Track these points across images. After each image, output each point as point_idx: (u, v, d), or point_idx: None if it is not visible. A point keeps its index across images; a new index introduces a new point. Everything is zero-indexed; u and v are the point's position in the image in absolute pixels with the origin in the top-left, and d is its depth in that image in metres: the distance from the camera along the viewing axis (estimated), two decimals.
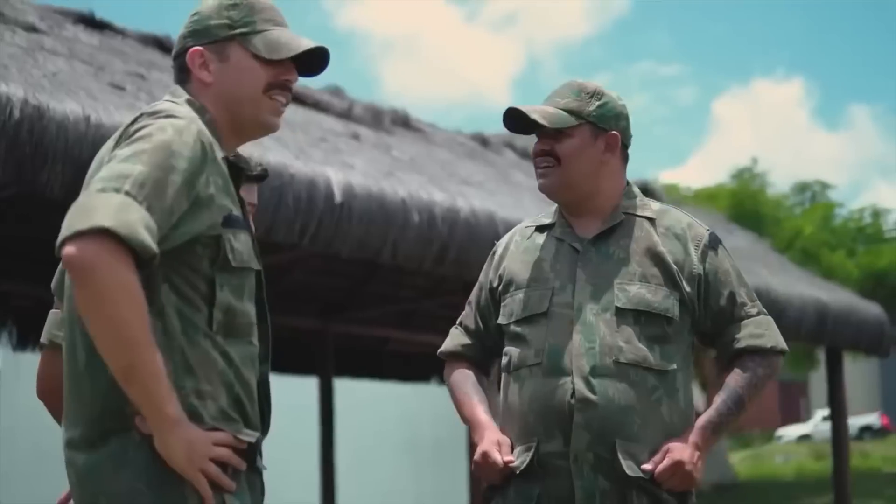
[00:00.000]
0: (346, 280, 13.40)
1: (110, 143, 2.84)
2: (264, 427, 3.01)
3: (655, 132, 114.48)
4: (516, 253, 3.85)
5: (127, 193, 2.59)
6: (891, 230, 39.96)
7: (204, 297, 2.79)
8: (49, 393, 3.47)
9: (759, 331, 3.71)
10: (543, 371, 3.62)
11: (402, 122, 12.72)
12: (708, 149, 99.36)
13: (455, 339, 4.00)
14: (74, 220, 2.56)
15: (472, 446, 9.65)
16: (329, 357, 14.71)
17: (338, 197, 8.15)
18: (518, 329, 3.72)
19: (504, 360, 3.78)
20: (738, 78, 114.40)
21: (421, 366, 16.52)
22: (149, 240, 2.56)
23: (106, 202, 2.57)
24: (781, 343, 3.73)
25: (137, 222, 2.56)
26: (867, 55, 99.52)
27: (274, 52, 2.99)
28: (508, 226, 9.57)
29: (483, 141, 14.50)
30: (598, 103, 3.74)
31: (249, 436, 2.84)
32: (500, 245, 3.95)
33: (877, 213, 39.97)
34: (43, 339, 3.48)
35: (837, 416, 15.85)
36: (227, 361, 2.81)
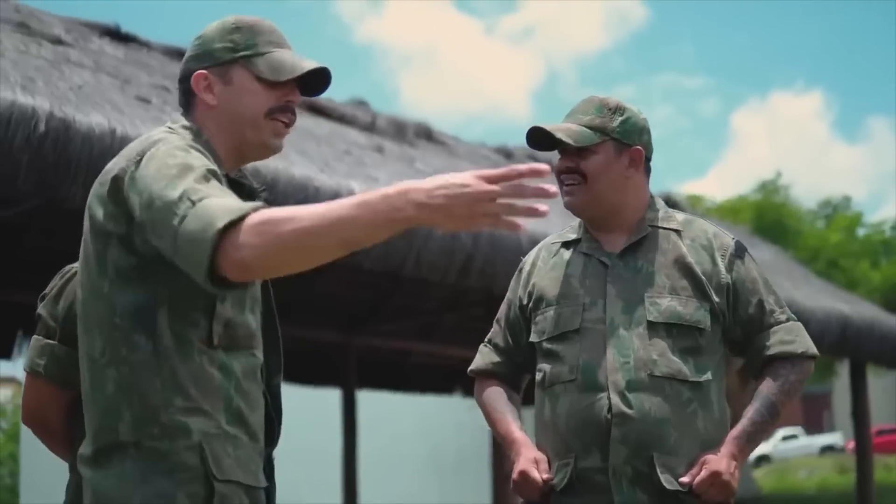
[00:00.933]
0: (370, 292, 13.40)
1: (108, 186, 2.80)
2: (274, 438, 3.04)
3: (678, 144, 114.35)
4: (544, 269, 3.86)
5: (199, 201, 2.58)
6: None
7: (204, 310, 2.81)
8: (36, 420, 3.47)
9: (790, 337, 3.71)
10: (578, 387, 3.62)
11: (426, 134, 12.73)
12: (728, 161, 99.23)
13: (485, 356, 4.00)
14: (198, 248, 2.53)
15: (495, 459, 9.65)
16: (352, 369, 14.71)
17: None
18: (551, 346, 3.73)
19: (538, 376, 3.78)
20: (757, 90, 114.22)
21: (444, 378, 16.52)
22: (247, 207, 2.54)
23: (196, 217, 2.55)
24: (812, 348, 3.74)
25: (227, 203, 2.56)
26: (886, 67, 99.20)
27: (277, 73, 3.01)
28: (532, 238, 9.57)
29: (507, 153, 14.49)
30: (620, 119, 3.75)
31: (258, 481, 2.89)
32: (527, 262, 3.95)
33: None
34: (26, 366, 3.44)
35: (861, 429, 15.79)
36: (226, 375, 2.83)
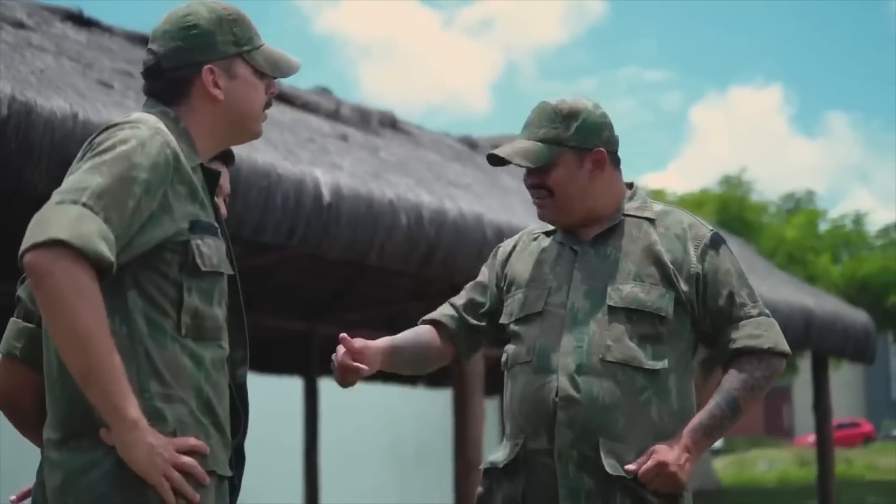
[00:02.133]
0: (333, 281, 13.38)
1: (80, 153, 2.89)
2: (242, 430, 3.06)
3: (638, 137, 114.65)
4: (521, 255, 3.88)
5: (84, 205, 2.65)
6: (874, 237, 40.09)
7: (172, 301, 2.83)
8: (8, 403, 3.45)
9: (758, 331, 3.64)
10: (533, 369, 3.63)
11: (390, 123, 12.70)
12: (687, 154, 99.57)
13: (441, 309, 4.01)
14: (33, 232, 2.63)
15: (457, 450, 9.63)
16: (314, 358, 14.69)
17: (326, 197, 8.12)
18: (516, 328, 3.74)
19: (503, 357, 3.79)
20: (717, 84, 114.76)
21: None
22: (105, 250, 2.63)
23: (63, 214, 2.63)
24: (781, 344, 3.67)
25: (93, 233, 2.62)
26: (845, 63, 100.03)
27: (276, 69, 3.13)
28: (496, 228, 9.57)
29: (471, 143, 14.48)
30: (576, 125, 3.72)
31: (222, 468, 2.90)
32: (505, 245, 3.98)
33: (858, 219, 40.09)
34: (1, 349, 3.44)
35: (823, 423, 15.86)
36: (197, 364, 2.84)
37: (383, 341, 3.80)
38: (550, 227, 3.88)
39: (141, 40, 10.46)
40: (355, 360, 3.65)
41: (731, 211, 36.37)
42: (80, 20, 10.02)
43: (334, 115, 11.57)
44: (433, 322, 3.98)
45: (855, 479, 30.69)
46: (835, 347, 15.47)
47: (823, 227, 39.94)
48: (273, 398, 15.48)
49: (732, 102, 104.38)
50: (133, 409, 2.65)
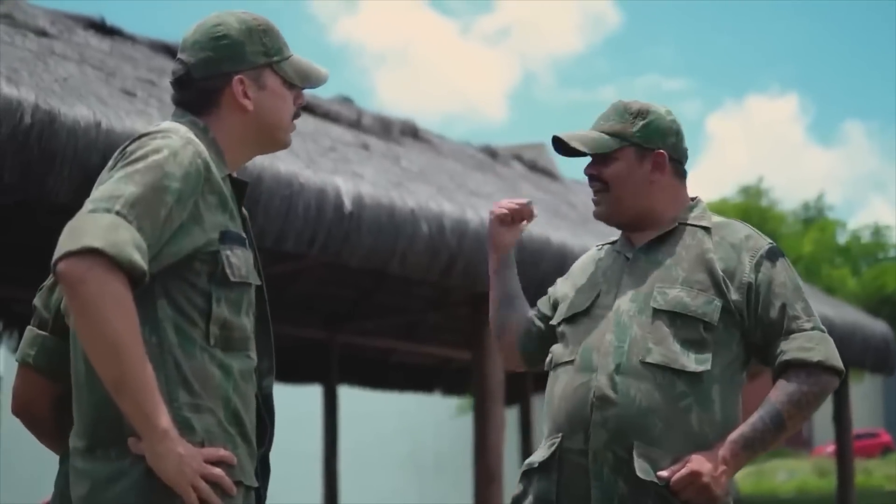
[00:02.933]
0: (353, 290, 13.39)
1: (111, 162, 2.88)
2: (268, 441, 3.04)
3: None
4: (581, 265, 3.92)
5: (118, 213, 2.66)
6: (893, 246, 40.02)
7: (201, 311, 2.83)
8: (24, 410, 3.46)
9: (810, 344, 3.52)
10: (575, 368, 3.59)
11: (411, 132, 12.71)
12: (704, 164, 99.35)
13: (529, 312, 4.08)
14: (66, 241, 2.63)
15: (477, 457, 9.62)
16: (334, 366, 14.71)
17: (348, 206, 8.13)
18: (563, 328, 3.75)
19: (548, 358, 3.79)
20: (734, 93, 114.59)
21: (425, 376, 16.52)
22: (138, 259, 2.64)
23: (96, 223, 2.64)
24: (833, 360, 3.53)
25: (127, 242, 2.63)
26: (862, 71, 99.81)
27: (305, 79, 3.14)
28: (521, 240, 9.56)
29: (491, 153, 14.49)
30: (642, 123, 3.72)
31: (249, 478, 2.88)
32: (576, 262, 4.02)
33: (878, 230, 40.00)
34: (17, 356, 3.45)
35: (842, 434, 15.82)
36: (226, 374, 2.84)
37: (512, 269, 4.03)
38: (612, 240, 3.90)
39: (163, 48, 10.51)
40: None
41: (752, 221, 36.33)
42: (102, 28, 10.07)
43: (356, 124, 11.59)
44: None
45: (874, 490, 30.55)
46: (854, 358, 15.41)
47: (842, 237, 39.86)
48: (293, 406, 15.51)
49: (749, 111, 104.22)
50: (164, 419, 2.65)
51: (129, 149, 2.84)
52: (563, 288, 3.88)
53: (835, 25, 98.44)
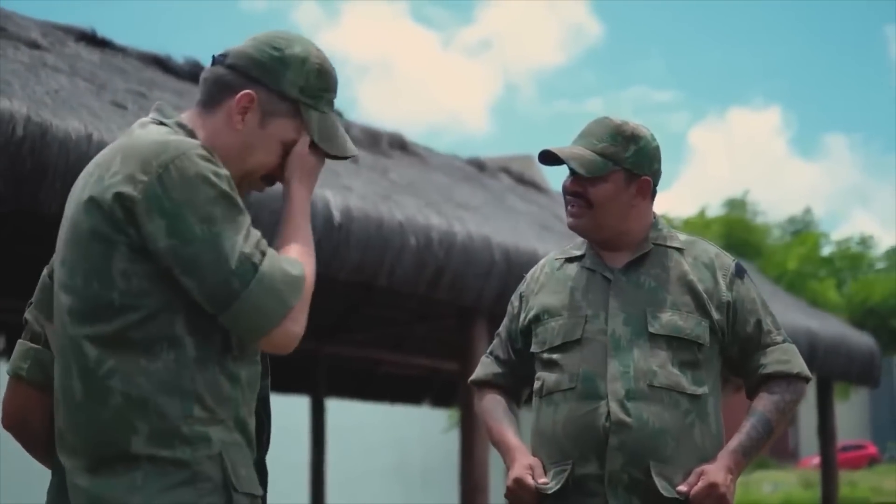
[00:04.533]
0: (341, 302, 13.41)
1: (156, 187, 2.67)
2: (265, 444, 3.00)
3: None
4: (547, 284, 3.92)
5: (259, 264, 2.66)
6: (878, 260, 40.10)
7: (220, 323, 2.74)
8: (15, 424, 3.41)
9: (786, 357, 3.79)
10: (578, 395, 3.69)
11: (400, 145, 12.75)
12: (687, 176, 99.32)
13: (486, 367, 4.06)
14: (263, 320, 2.69)
15: (463, 469, 9.64)
16: (321, 377, 14.72)
17: (337, 219, 8.17)
18: (551, 356, 3.79)
19: (536, 385, 3.84)
20: (716, 106, 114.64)
21: (412, 388, 16.53)
22: (298, 271, 2.76)
23: (266, 290, 2.68)
24: (806, 370, 3.82)
25: (285, 273, 2.72)
26: (844, 85, 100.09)
27: (326, 140, 2.91)
28: (504, 251, 9.61)
29: (479, 165, 14.53)
30: (634, 148, 3.80)
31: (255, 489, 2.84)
32: (530, 276, 4.03)
33: (864, 241, 40.10)
34: (9, 370, 3.35)
35: (827, 446, 15.86)
36: (234, 384, 2.77)
37: (519, 443, 3.87)
38: (574, 254, 3.95)
39: (154, 61, 10.55)
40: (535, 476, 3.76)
41: (736, 234, 36.39)
42: (93, 40, 10.09)
43: None
44: (487, 383, 4.05)
45: (859, 502, 30.61)
46: (840, 371, 15.47)
47: (827, 249, 39.95)
48: (280, 417, 15.51)
49: (731, 124, 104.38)
50: None
51: (163, 176, 2.67)
52: (543, 301, 3.89)
53: (816, 39, 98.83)
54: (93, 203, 2.71)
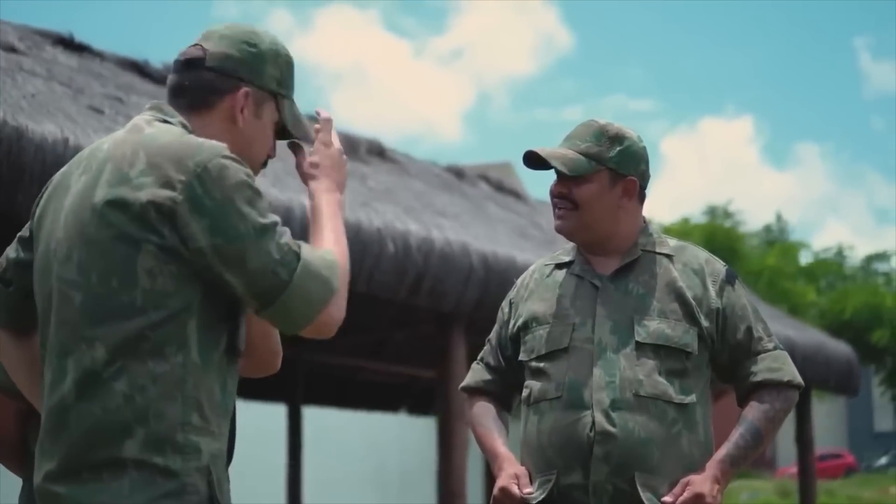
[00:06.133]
0: None
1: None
2: (230, 456, 2.89)
3: None
4: (536, 291, 3.89)
5: (300, 254, 2.69)
6: (853, 267, 40.27)
7: (226, 321, 2.74)
8: None
9: (777, 365, 3.73)
10: (563, 404, 3.66)
11: (378, 151, 12.73)
12: (660, 185, 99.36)
13: (476, 374, 4.04)
14: (310, 308, 2.70)
15: (441, 477, 9.62)
16: (299, 384, 14.68)
17: None
18: (539, 364, 3.76)
19: (524, 393, 3.82)
20: (688, 115, 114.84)
21: (390, 395, 16.51)
22: (334, 257, 2.78)
23: (311, 276, 2.69)
24: (798, 378, 3.76)
25: (324, 259, 2.74)
26: (815, 94, 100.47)
27: (296, 126, 3.02)
28: (482, 257, 9.61)
29: (458, 172, 14.52)
30: (619, 148, 3.76)
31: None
32: (519, 283, 4.00)
33: (841, 251, 40.26)
34: None
35: (805, 455, 15.89)
36: (222, 390, 2.74)
37: (507, 452, 3.84)
38: (563, 260, 3.91)
39: (131, 65, 10.51)
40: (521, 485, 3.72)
41: (718, 241, 36.46)
42: (70, 45, 10.06)
43: None
44: (478, 391, 4.02)
45: None
46: (818, 379, 15.49)
47: (805, 258, 40.11)
48: (256, 424, 15.49)
49: (704, 133, 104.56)
50: None
51: (204, 178, 2.70)
52: (531, 308, 3.86)
53: (787, 49, 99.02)
54: (117, 203, 2.66)
